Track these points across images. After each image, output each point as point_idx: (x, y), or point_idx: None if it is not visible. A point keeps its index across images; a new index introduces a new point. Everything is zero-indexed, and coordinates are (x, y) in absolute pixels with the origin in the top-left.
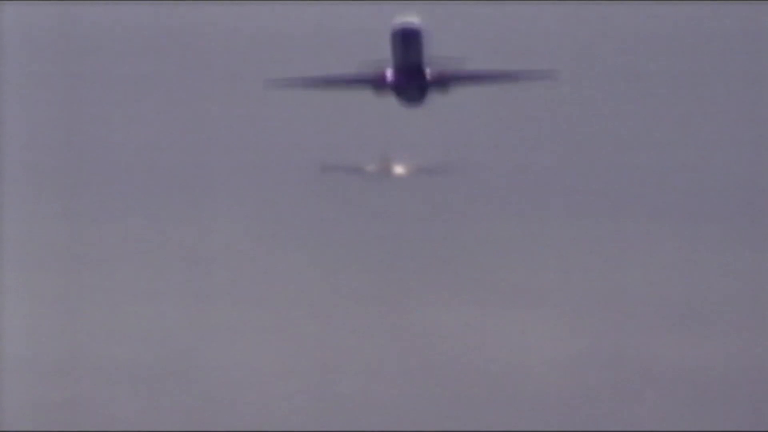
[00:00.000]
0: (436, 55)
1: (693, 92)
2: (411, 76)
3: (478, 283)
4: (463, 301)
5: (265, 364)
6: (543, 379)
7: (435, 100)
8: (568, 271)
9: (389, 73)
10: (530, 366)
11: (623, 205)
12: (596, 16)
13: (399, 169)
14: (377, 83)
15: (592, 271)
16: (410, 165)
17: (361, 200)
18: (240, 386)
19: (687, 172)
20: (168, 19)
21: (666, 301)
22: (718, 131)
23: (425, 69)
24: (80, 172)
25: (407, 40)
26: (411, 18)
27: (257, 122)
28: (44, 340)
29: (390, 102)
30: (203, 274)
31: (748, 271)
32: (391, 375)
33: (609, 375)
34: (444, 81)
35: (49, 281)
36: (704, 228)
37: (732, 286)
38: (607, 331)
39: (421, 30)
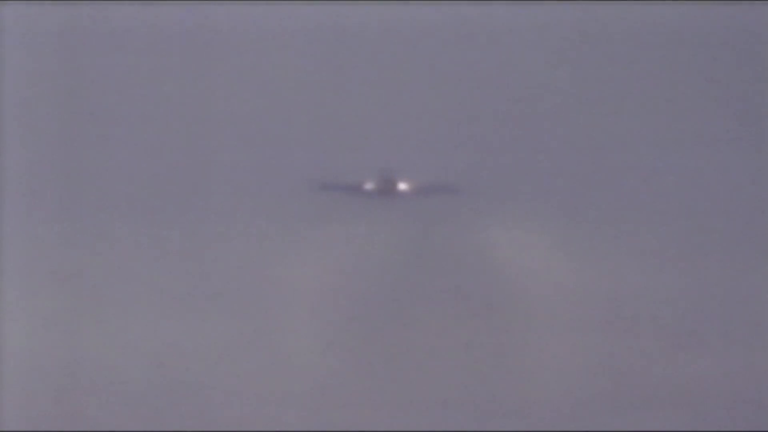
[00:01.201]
0: None
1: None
2: None
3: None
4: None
5: (261, 380)
6: (550, 394)
7: None
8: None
9: None
10: (536, 381)
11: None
12: None
13: (402, 186)
14: None
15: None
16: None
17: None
18: (235, 400)
19: (687, 171)
20: (168, 19)
21: (681, 315)
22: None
23: None
24: (80, 175)
25: None
26: None
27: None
28: (43, 347)
29: None
30: (207, 278)
31: (756, 283)
32: (390, 398)
33: (617, 391)
34: None
35: (48, 287)
36: (712, 234)
37: (745, 299)
38: (622, 348)
39: None
